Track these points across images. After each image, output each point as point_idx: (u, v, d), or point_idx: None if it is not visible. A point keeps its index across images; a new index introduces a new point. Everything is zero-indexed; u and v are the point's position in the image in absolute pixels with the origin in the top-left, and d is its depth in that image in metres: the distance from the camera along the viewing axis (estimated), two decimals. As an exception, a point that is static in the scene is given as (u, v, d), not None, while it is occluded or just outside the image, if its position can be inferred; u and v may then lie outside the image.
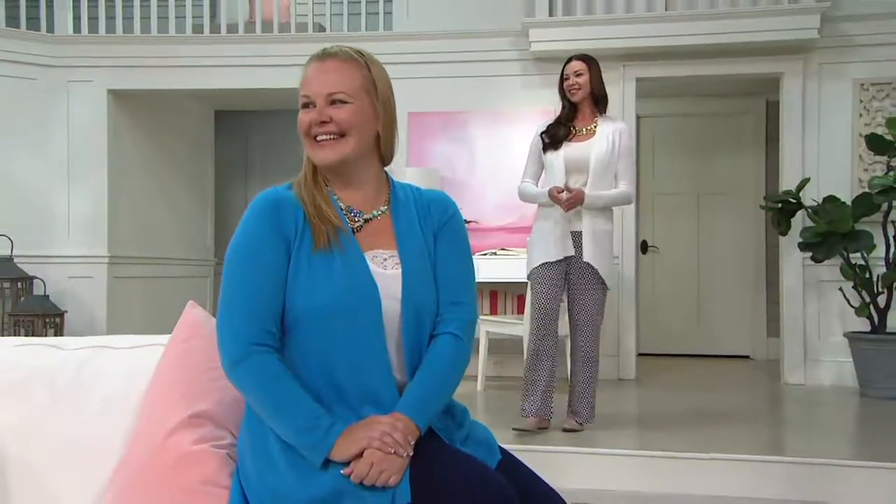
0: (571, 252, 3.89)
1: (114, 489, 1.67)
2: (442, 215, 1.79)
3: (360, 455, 1.51)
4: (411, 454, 1.54)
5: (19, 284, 6.00)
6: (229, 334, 1.59)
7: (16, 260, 6.07)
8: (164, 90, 6.65)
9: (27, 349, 1.84)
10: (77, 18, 6.53)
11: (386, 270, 1.67)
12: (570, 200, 3.77)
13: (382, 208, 1.75)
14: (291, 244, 1.62)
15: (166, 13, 6.55)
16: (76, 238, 6.39)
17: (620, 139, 3.90)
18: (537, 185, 4.05)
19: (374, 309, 1.62)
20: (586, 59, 4.00)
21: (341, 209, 1.70)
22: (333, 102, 1.66)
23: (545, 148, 3.97)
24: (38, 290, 6.12)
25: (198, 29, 6.58)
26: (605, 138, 3.88)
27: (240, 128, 8.25)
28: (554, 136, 3.93)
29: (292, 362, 1.61)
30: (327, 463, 1.54)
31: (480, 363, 5.33)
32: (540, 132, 4.01)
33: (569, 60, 4.02)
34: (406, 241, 1.71)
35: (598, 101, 3.98)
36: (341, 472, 1.51)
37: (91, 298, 6.33)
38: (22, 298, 5.96)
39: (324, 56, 1.69)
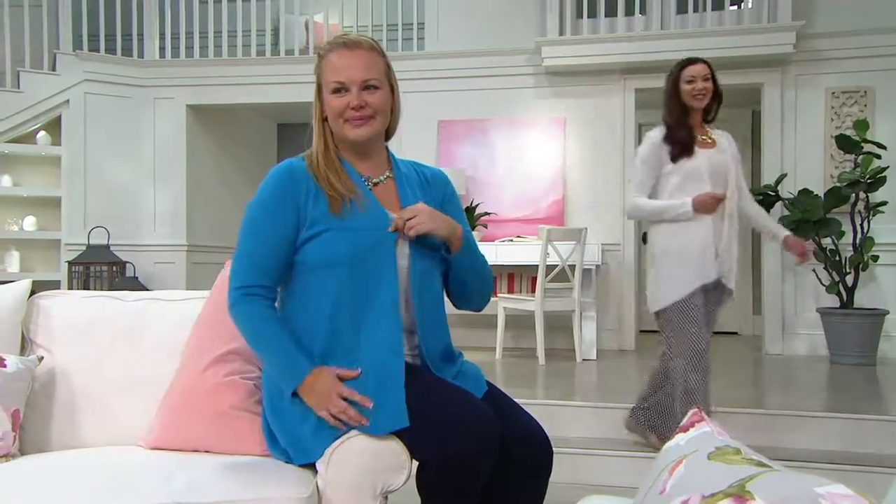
0: (721, 273, 2.95)
1: (161, 412, 1.71)
2: (446, 188, 1.83)
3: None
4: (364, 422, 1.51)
5: (114, 268, 6.13)
6: (232, 281, 1.60)
7: (111, 248, 6.20)
8: (234, 105, 6.72)
9: (93, 300, 1.89)
10: (162, 47, 6.64)
11: None
12: (717, 200, 2.89)
13: (387, 173, 1.76)
14: (303, 208, 1.61)
15: (235, 41, 6.63)
16: (161, 229, 6.50)
17: (732, 146, 3.07)
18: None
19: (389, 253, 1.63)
20: (707, 62, 3.03)
21: (359, 174, 1.71)
22: (366, 88, 1.65)
23: (676, 157, 2.94)
24: (129, 272, 6.25)
25: (261, 52, 6.65)
26: (728, 146, 3.04)
27: (298, 137, 8.24)
28: (684, 144, 2.95)
29: (306, 304, 1.60)
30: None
31: (499, 335, 5.30)
32: (661, 141, 2.98)
33: (688, 63, 3.01)
34: (409, 201, 1.71)
35: (714, 107, 3.05)
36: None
37: (173, 280, 6.43)
38: (116, 279, 6.09)
39: (351, 45, 1.66)
